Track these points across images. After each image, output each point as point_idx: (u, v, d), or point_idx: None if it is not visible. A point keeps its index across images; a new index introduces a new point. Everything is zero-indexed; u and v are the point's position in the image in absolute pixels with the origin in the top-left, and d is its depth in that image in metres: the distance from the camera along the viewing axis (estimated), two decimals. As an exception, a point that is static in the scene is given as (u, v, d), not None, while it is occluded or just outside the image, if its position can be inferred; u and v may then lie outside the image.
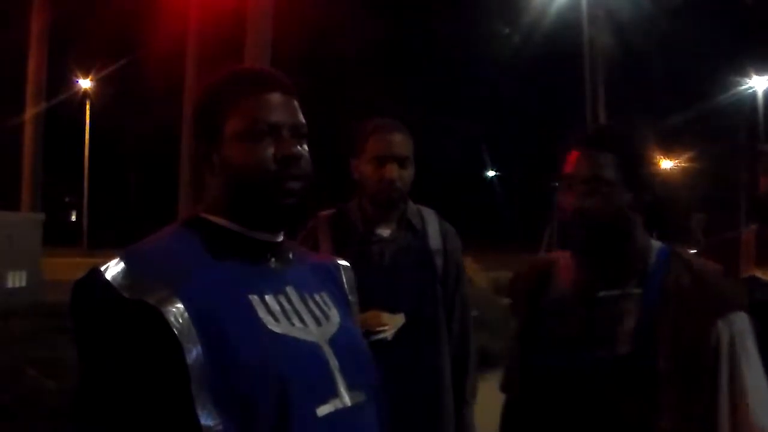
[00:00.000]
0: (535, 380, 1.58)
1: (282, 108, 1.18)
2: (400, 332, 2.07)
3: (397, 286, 2.13)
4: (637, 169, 1.52)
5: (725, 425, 1.40)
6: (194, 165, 1.29)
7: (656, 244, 1.57)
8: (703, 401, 1.41)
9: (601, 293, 1.53)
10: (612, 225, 1.51)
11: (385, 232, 2.21)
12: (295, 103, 1.21)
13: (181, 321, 1.01)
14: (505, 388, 1.73)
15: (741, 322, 1.45)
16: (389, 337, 2.04)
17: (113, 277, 1.03)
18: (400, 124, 2.25)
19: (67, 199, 43.26)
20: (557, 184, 1.58)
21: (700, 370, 1.41)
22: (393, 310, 2.09)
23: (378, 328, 2.03)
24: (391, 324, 2.06)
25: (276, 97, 1.18)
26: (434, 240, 2.26)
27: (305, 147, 1.20)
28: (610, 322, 1.49)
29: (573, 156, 1.54)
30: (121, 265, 1.05)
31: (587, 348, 1.49)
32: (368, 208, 2.23)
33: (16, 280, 11.29)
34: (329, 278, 1.31)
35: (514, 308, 1.73)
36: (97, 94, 34.21)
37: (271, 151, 1.14)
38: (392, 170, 2.15)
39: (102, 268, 1.05)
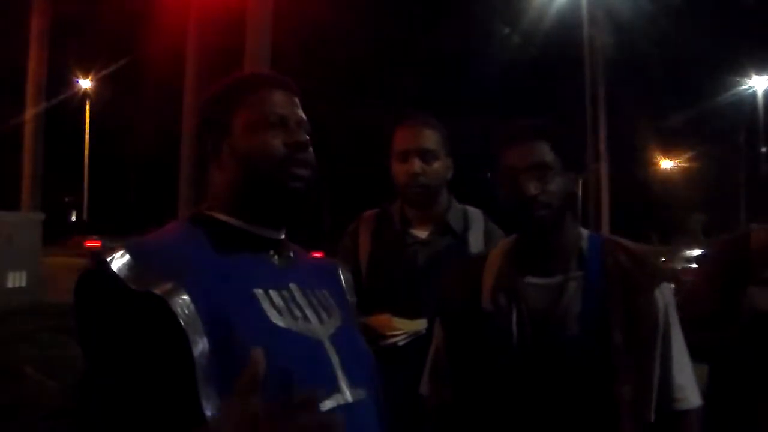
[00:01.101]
0: (480, 384, 1.59)
1: (287, 104, 1.24)
2: (425, 339, 1.95)
3: (425, 290, 2.02)
4: (570, 152, 1.62)
5: (655, 386, 1.54)
6: (198, 164, 1.33)
7: (584, 230, 1.66)
8: (652, 367, 1.54)
9: (542, 280, 1.60)
10: (565, 208, 1.59)
11: (422, 234, 2.16)
12: (297, 101, 1.27)
13: (187, 312, 1.02)
14: (432, 399, 1.74)
15: (669, 292, 1.60)
16: (400, 344, 1.97)
17: (119, 269, 1.04)
18: (429, 119, 2.19)
19: (67, 199, 43.23)
20: (491, 176, 1.65)
21: (649, 339, 1.54)
22: (416, 315, 2.01)
23: (389, 333, 1.96)
24: (405, 330, 1.98)
25: (280, 95, 1.24)
26: (475, 243, 2.16)
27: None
28: (556, 307, 1.56)
29: (509, 150, 1.61)
30: (126, 256, 1.06)
31: (537, 335, 1.55)
32: (405, 208, 2.19)
33: (16, 280, 11.29)
34: (329, 278, 1.33)
35: (444, 316, 1.73)
36: (97, 94, 34.22)
37: (280, 138, 1.20)
38: (414, 164, 2.10)
39: (107, 259, 1.05)
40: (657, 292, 1.57)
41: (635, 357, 1.51)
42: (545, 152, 1.58)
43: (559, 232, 1.60)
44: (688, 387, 1.57)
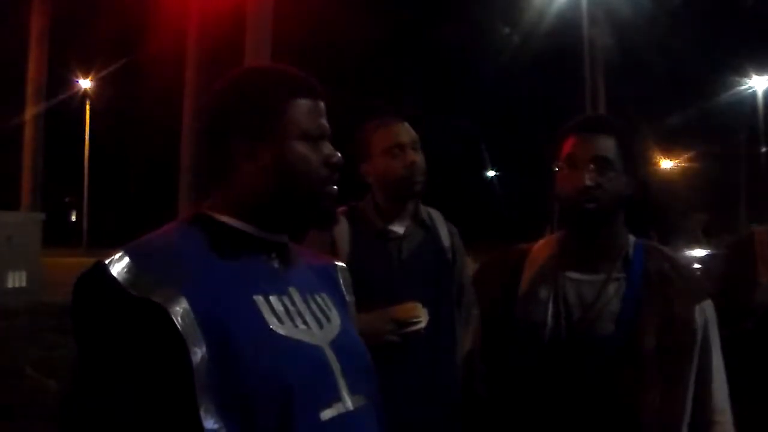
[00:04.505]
0: (515, 370, 1.58)
1: (325, 117, 1.22)
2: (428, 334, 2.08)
3: (414, 281, 2.14)
4: (634, 156, 1.59)
5: (690, 402, 1.50)
6: (204, 162, 1.27)
7: (631, 237, 1.63)
8: (683, 379, 1.50)
9: (584, 276, 1.57)
10: (616, 208, 1.56)
11: (399, 229, 2.21)
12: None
13: (186, 321, 1.00)
14: (465, 390, 1.76)
15: (711, 309, 1.56)
16: (423, 330, 2.04)
17: (118, 273, 1.02)
18: (399, 117, 2.26)
19: (67, 199, 43.20)
20: (556, 167, 1.61)
21: (682, 350, 1.50)
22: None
23: (414, 319, 2.04)
24: (424, 317, 2.06)
25: (323, 106, 1.22)
26: (445, 238, 2.27)
27: None
28: (594, 303, 1.54)
29: (574, 139, 1.58)
30: (126, 260, 1.04)
31: (570, 330, 1.53)
32: (383, 204, 2.23)
33: (16, 280, 11.29)
34: (328, 279, 1.31)
35: (482, 300, 1.74)
36: (97, 94, 34.21)
37: (319, 155, 1.17)
38: (413, 154, 2.16)
39: (106, 262, 1.03)
40: (697, 307, 1.54)
41: (666, 366, 1.48)
42: (610, 148, 1.55)
43: (607, 231, 1.57)
44: (727, 411, 1.53)
